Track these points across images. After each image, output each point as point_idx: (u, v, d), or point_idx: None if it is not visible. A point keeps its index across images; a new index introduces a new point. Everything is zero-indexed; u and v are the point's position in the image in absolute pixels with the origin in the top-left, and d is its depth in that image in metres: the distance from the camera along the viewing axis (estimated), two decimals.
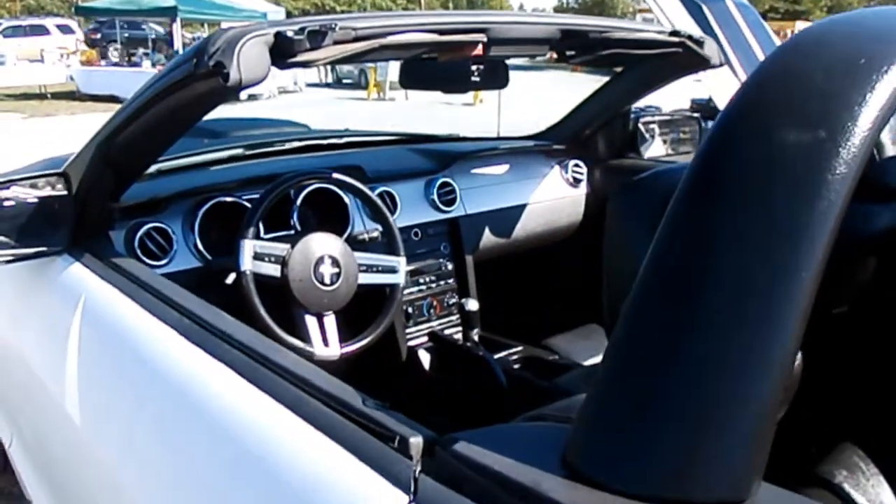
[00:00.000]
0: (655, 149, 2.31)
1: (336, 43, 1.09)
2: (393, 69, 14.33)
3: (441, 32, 1.21)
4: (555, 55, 1.62)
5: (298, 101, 13.67)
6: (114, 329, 1.05)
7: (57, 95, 15.89)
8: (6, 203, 1.22)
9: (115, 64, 16.08)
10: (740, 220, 0.43)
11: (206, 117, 1.19)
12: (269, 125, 2.47)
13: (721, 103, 5.51)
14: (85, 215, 1.30)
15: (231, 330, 0.90)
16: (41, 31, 18.17)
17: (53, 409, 1.21)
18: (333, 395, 0.70)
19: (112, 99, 15.33)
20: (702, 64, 1.69)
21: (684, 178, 0.45)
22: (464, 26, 1.26)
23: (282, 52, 1.04)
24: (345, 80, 17.30)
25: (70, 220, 1.25)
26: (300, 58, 1.07)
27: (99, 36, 18.23)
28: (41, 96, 16.04)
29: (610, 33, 1.52)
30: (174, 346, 0.92)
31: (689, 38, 1.60)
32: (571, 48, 1.57)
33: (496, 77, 1.67)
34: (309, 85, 16.21)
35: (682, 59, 1.65)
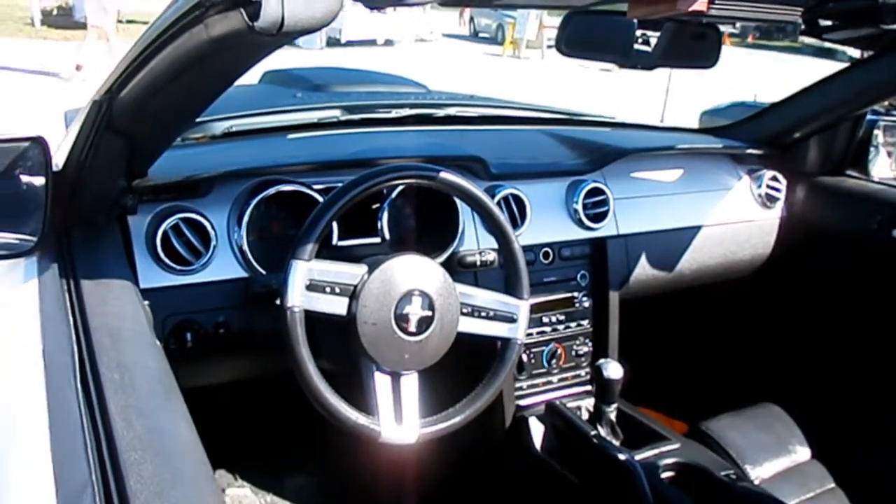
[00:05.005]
0: (887, 167, 1.69)
1: None
2: (532, 25, 13.60)
3: None
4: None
5: (431, 52, 13.20)
6: None
7: None
8: None
9: None
10: None
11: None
12: (381, 81, 2.00)
13: None
14: (82, 198, 0.90)
15: None
16: None
17: None
18: None
19: None
20: None
21: None
22: None
23: None
24: (481, 34, 16.76)
25: (44, 206, 0.84)
26: None
27: None
28: None
29: None
30: None
31: None
32: (837, 15, 1.00)
33: (702, 50, 1.12)
34: (445, 35, 15.69)
35: None
